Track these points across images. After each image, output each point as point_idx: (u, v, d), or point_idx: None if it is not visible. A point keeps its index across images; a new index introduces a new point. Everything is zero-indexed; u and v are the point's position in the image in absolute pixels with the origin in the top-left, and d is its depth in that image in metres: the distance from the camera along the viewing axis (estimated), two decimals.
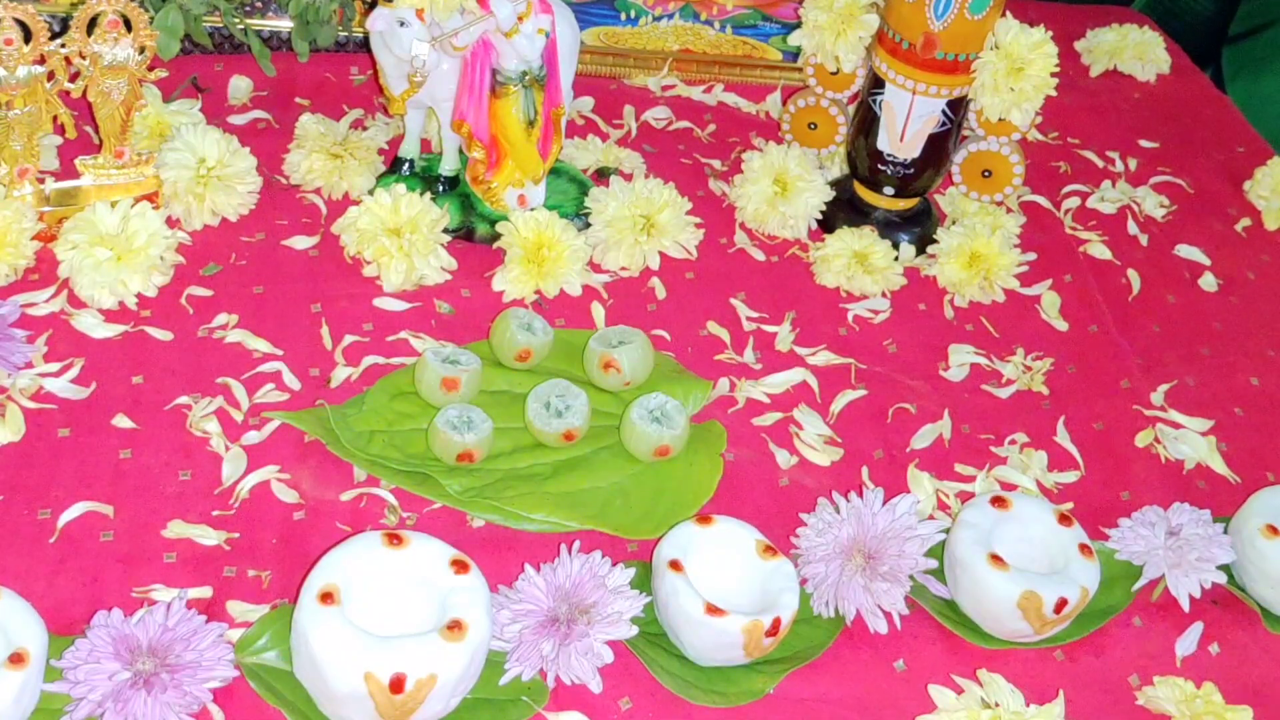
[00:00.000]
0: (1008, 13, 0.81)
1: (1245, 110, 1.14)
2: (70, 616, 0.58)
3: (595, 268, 0.82)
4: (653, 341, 0.74)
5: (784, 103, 0.95)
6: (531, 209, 0.81)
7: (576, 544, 0.63)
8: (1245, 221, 0.99)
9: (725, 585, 0.61)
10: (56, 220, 0.75)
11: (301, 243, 0.79)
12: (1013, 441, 0.76)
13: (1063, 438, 0.77)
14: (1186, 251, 0.94)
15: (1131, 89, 1.12)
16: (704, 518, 0.63)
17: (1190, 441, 0.78)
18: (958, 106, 0.83)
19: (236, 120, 0.88)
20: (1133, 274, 0.91)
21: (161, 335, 0.72)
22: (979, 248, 0.85)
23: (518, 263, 0.78)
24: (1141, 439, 0.78)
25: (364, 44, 0.92)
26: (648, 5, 0.99)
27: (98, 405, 0.68)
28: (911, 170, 0.85)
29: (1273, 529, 0.68)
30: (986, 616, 0.64)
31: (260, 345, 0.72)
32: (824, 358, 0.79)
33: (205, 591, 0.60)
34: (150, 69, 0.76)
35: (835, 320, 0.82)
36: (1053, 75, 0.83)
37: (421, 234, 0.77)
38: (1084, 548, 0.65)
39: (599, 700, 0.59)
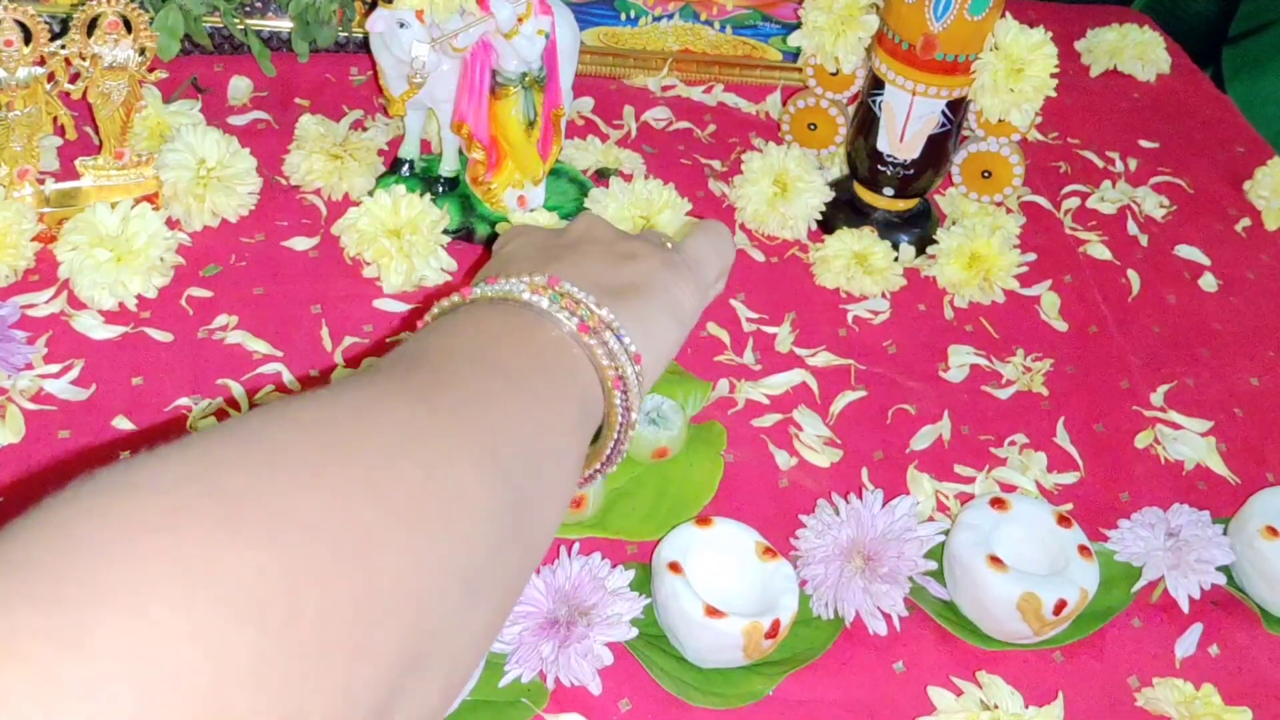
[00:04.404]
0: (1007, 13, 0.81)
1: (1245, 110, 1.14)
2: None
3: None
4: None
5: (784, 103, 0.95)
6: (531, 210, 0.81)
7: (576, 546, 0.63)
8: (1245, 221, 0.99)
9: (725, 587, 0.61)
10: (56, 221, 0.75)
11: (301, 244, 0.79)
12: (1012, 442, 0.76)
13: (1062, 439, 0.77)
14: (1186, 251, 0.94)
15: (1131, 89, 1.12)
16: (703, 520, 0.63)
17: (1190, 442, 0.78)
18: (957, 107, 0.83)
19: (236, 121, 0.88)
20: (1133, 274, 0.91)
21: (161, 336, 0.72)
22: (979, 248, 0.85)
23: None
24: (1141, 440, 0.78)
25: (364, 45, 0.92)
26: (648, 5, 0.99)
27: (98, 406, 0.68)
28: (911, 171, 0.85)
29: (1272, 530, 0.68)
30: (986, 618, 0.64)
31: (260, 346, 0.72)
32: (824, 359, 0.79)
33: None
34: (150, 70, 0.76)
35: (835, 321, 0.82)
36: (1053, 76, 0.83)
37: (421, 235, 0.77)
38: (1083, 549, 0.65)
39: (598, 702, 0.59)
